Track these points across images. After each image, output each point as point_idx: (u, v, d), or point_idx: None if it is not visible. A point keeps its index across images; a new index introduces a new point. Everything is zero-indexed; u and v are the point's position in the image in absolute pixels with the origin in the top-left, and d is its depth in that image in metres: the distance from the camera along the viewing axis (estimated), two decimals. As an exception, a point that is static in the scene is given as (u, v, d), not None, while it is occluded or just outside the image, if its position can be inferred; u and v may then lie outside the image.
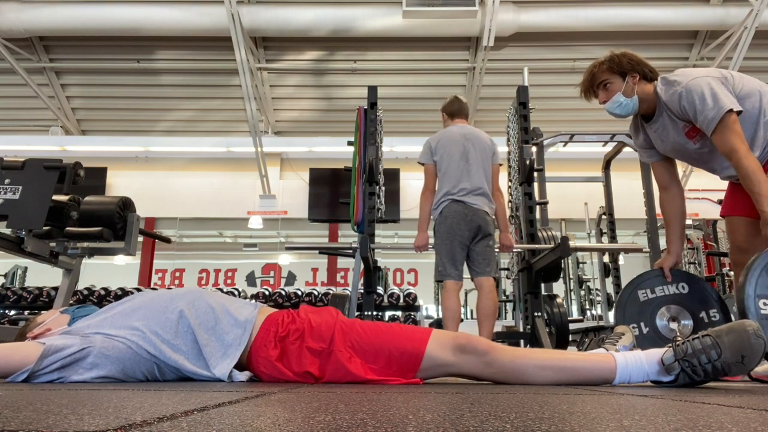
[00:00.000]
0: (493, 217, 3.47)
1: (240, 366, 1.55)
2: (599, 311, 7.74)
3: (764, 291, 1.79)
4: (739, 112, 1.99)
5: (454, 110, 3.69)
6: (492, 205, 3.46)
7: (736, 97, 2.02)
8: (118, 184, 10.00)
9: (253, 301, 1.72)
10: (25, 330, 1.67)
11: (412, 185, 9.44)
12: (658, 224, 4.95)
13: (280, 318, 1.58)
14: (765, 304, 1.78)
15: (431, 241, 3.51)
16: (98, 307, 1.71)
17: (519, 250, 4.40)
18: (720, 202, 5.84)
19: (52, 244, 3.18)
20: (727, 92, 2.00)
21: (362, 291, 4.03)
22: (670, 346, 1.40)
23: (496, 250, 3.58)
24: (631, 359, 1.44)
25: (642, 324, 2.30)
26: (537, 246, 4.10)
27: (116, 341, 1.48)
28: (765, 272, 1.81)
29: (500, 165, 3.60)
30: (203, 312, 1.57)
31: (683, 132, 2.14)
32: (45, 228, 3.01)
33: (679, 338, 1.41)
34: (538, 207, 4.66)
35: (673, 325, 2.13)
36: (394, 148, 8.98)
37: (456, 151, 3.47)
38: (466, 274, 3.45)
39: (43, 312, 1.76)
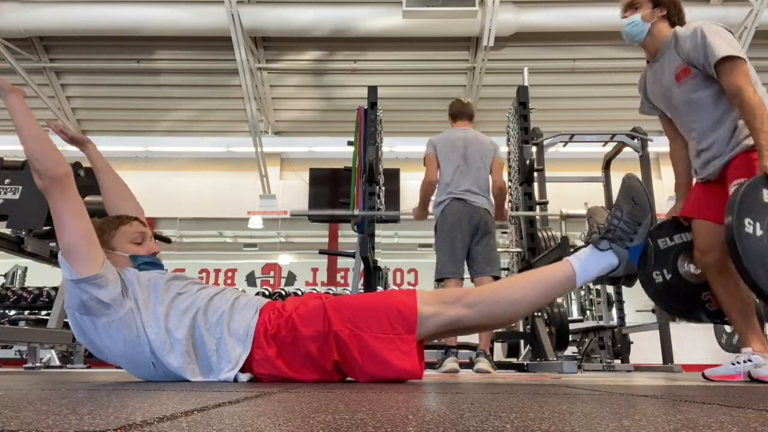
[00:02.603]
0: (493, 215, 3.48)
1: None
2: (599, 311, 7.73)
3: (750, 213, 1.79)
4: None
5: (455, 112, 3.71)
6: (492, 203, 3.47)
7: None
8: (118, 184, 9.99)
9: (257, 296, 1.73)
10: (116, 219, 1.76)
11: (412, 185, 9.43)
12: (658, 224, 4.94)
13: (266, 317, 1.57)
14: (750, 223, 1.77)
15: (429, 217, 3.53)
16: (161, 268, 1.71)
17: (519, 250, 4.41)
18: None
19: (52, 244, 3.18)
20: (739, 45, 2.07)
21: (362, 291, 4.03)
22: (594, 232, 1.64)
23: (499, 249, 3.58)
24: (583, 257, 1.61)
25: (665, 271, 2.17)
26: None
27: (134, 323, 1.50)
28: (753, 198, 1.81)
29: (501, 161, 3.59)
30: (216, 312, 1.56)
31: (674, 74, 2.18)
32: (45, 228, 3.02)
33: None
34: (538, 207, 4.66)
35: (693, 269, 2.05)
36: (394, 148, 8.98)
37: (456, 153, 3.49)
38: (466, 273, 3.44)
39: (133, 223, 1.76)
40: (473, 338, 3.52)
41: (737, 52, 2.03)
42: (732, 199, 1.81)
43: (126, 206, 1.92)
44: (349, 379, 1.58)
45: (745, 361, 2.00)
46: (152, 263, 1.71)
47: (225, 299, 1.61)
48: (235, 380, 1.49)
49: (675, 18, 2.24)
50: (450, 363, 3.16)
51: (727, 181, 2.05)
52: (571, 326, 5.06)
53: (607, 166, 5.70)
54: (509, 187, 4.92)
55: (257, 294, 7.48)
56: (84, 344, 1.58)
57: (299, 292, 7.44)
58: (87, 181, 3.26)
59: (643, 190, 1.60)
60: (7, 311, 7.30)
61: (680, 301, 2.21)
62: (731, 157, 2.05)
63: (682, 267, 2.20)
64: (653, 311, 6.32)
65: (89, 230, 1.50)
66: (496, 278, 3.38)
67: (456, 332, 1.68)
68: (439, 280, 3.38)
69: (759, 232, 1.76)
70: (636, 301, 9.21)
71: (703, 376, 2.10)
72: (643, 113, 2.50)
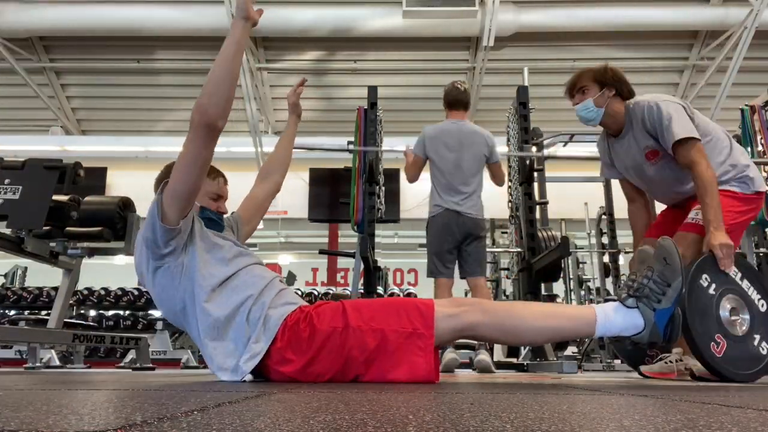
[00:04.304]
0: (484, 220, 3.50)
1: None
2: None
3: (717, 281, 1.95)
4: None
5: (451, 100, 3.64)
6: (482, 207, 3.46)
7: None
8: (118, 184, 9.99)
9: (297, 294, 1.76)
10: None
11: (411, 185, 9.43)
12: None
13: (291, 313, 1.59)
14: (706, 279, 1.93)
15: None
16: (221, 229, 1.76)
17: (519, 250, 4.41)
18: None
19: (52, 244, 3.18)
20: (691, 124, 2.13)
21: (362, 291, 4.03)
22: (628, 285, 1.62)
23: (493, 250, 3.58)
24: (609, 309, 1.57)
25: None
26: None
27: (179, 277, 1.56)
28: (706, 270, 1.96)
29: (499, 163, 3.55)
30: (260, 302, 1.59)
31: (644, 153, 2.25)
32: (45, 228, 3.02)
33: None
34: (538, 207, 4.66)
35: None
36: (394, 148, 8.98)
37: (450, 154, 3.44)
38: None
39: (220, 180, 1.85)
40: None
41: (690, 132, 2.09)
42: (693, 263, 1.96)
43: (274, 176, 2.22)
44: (352, 379, 1.57)
45: (676, 360, 2.18)
46: (214, 221, 1.77)
47: (270, 289, 1.64)
48: (242, 379, 1.49)
49: (624, 91, 2.26)
50: (449, 353, 3.19)
51: (688, 207, 2.20)
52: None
53: (607, 166, 5.69)
54: (509, 186, 4.92)
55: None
56: (135, 262, 1.68)
57: (299, 293, 7.44)
58: (87, 181, 3.27)
59: (677, 253, 1.58)
60: (7, 311, 7.31)
61: (632, 358, 2.48)
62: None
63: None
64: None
65: (198, 187, 1.56)
66: (494, 279, 3.40)
67: (469, 338, 1.69)
68: (431, 277, 3.41)
69: (711, 291, 1.93)
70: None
71: (640, 373, 2.27)
72: (603, 176, 2.63)
